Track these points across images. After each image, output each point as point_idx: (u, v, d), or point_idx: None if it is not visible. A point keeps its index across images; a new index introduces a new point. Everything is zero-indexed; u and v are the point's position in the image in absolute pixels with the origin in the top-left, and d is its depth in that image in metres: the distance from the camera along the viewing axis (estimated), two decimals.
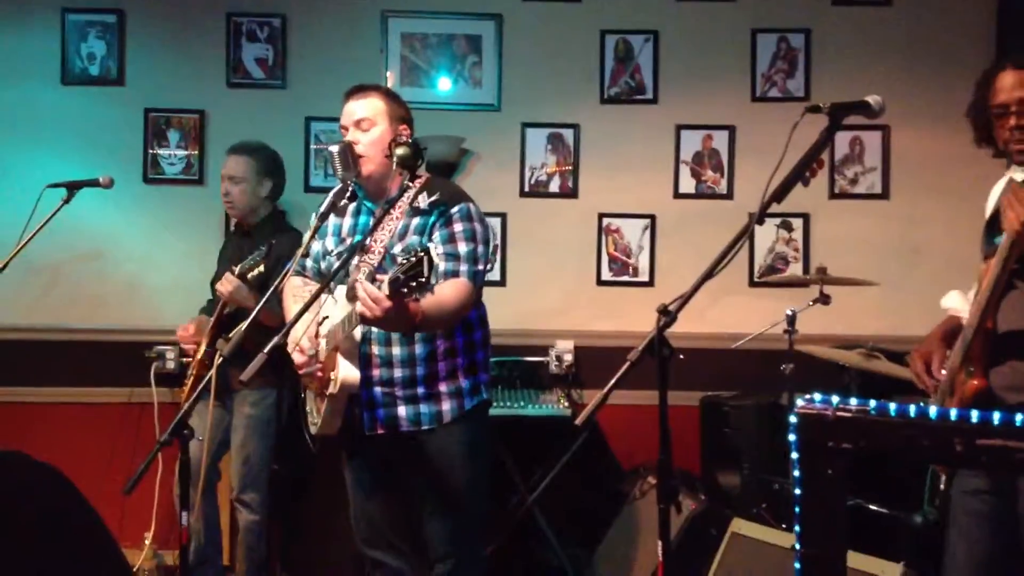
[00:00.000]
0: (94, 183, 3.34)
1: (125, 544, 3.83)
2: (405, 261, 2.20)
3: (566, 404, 3.86)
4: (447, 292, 2.54)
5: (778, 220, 4.25)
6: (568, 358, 4.16)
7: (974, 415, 1.16)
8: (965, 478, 2.14)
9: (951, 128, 4.19)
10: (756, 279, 4.25)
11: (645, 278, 4.29)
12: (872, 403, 1.25)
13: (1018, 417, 1.14)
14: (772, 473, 3.58)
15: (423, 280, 2.18)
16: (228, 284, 3.30)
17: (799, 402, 1.28)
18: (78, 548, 2.35)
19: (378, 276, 2.39)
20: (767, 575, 2.94)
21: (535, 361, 4.15)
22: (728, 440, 3.87)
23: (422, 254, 2.18)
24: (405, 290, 2.21)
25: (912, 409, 1.21)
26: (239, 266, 3.27)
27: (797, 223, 4.25)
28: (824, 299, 3.46)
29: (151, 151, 4.27)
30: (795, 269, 4.25)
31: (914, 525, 3.08)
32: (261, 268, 3.19)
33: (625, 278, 4.30)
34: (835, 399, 1.27)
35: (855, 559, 2.71)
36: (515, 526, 3.86)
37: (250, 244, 3.50)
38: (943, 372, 2.12)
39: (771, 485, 3.55)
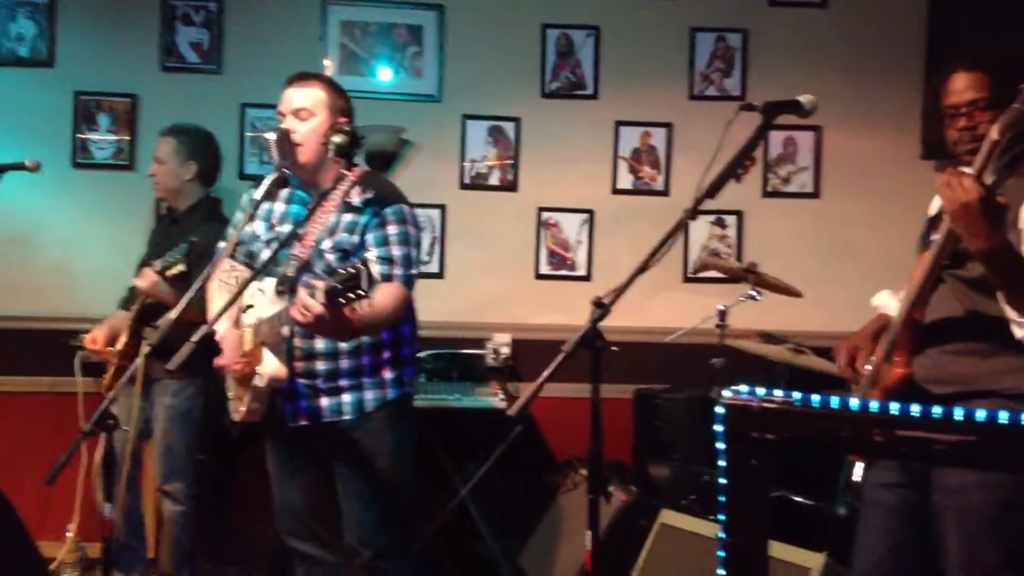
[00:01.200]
0: (20, 167, 3.23)
1: (47, 537, 3.76)
2: (344, 272, 2.19)
3: (502, 397, 3.88)
4: (383, 298, 2.51)
5: (712, 217, 4.31)
6: (505, 351, 4.17)
7: (894, 407, 1.19)
8: (878, 471, 2.19)
9: (882, 129, 4.34)
10: (690, 275, 4.31)
11: (583, 272, 4.32)
12: (796, 395, 1.28)
13: (936, 409, 1.17)
14: (702, 465, 3.63)
15: (361, 292, 2.17)
16: (145, 280, 3.26)
17: (725, 393, 1.30)
18: None
19: (314, 282, 2.36)
20: (694, 565, 2.98)
21: (472, 354, 4.15)
22: (660, 433, 3.92)
23: (361, 267, 2.17)
24: (342, 300, 2.20)
25: (835, 400, 1.24)
26: (160, 261, 3.21)
27: (731, 220, 4.32)
28: (754, 295, 3.53)
29: (80, 135, 4.16)
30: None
31: (837, 516, 3.15)
32: (181, 267, 3.14)
33: (563, 272, 4.32)
34: (760, 390, 1.29)
35: (780, 550, 2.78)
36: (448, 518, 3.86)
37: (177, 232, 3.45)
38: (867, 368, 2.17)
39: (700, 476, 3.60)
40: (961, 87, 2.15)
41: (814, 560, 2.75)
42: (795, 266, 3.86)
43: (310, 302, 2.25)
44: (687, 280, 4.32)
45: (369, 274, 2.17)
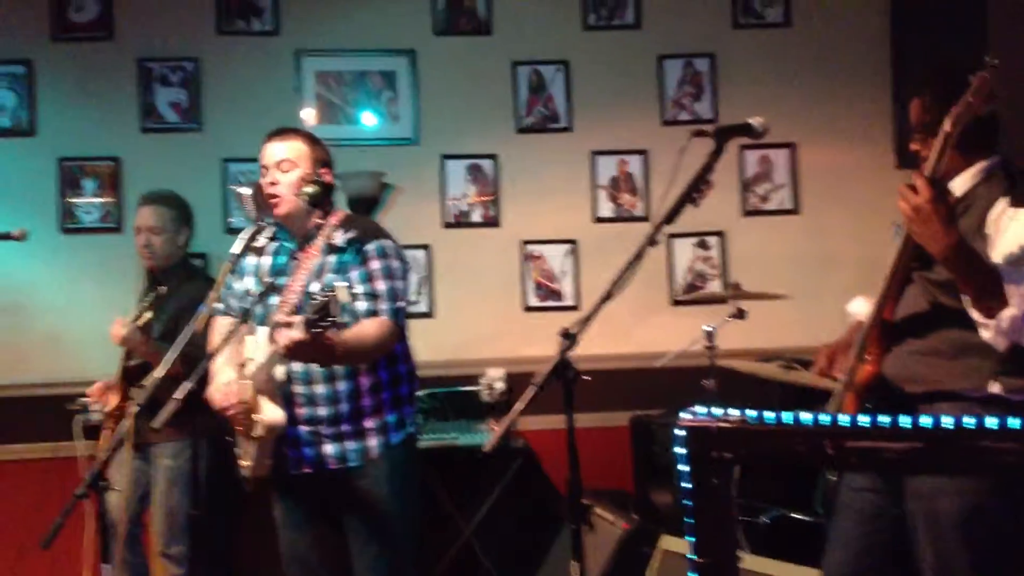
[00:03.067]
0: (7, 236, 3.28)
1: None
2: (315, 301, 2.24)
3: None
4: (368, 328, 2.57)
5: (695, 239, 4.35)
6: (500, 385, 4.17)
7: (843, 419, 1.22)
8: (852, 476, 2.22)
9: (855, 142, 4.40)
10: (676, 298, 4.34)
11: (571, 302, 4.35)
12: (751, 412, 1.30)
13: (883, 418, 1.20)
14: None
15: (333, 319, 2.22)
16: (120, 329, 3.28)
17: (684, 415, 1.33)
18: None
19: (291, 319, 2.40)
20: None
21: (467, 391, 4.16)
22: (658, 458, 3.92)
23: (330, 294, 2.21)
24: (317, 329, 2.24)
25: (787, 416, 1.26)
26: (132, 312, 3.25)
27: (714, 241, 4.36)
28: (740, 314, 3.56)
29: (66, 200, 4.22)
30: (715, 286, 4.35)
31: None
32: (148, 314, 3.18)
33: (551, 303, 4.36)
34: (717, 410, 1.32)
35: (777, 567, 2.78)
36: (453, 557, 3.86)
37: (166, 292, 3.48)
38: (841, 376, 2.20)
39: None
40: (912, 113, 2.22)
41: None
42: (780, 281, 3.89)
43: (291, 334, 2.30)
44: (675, 303, 4.35)
45: (337, 300, 2.22)
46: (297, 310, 2.58)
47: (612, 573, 3.35)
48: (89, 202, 4.24)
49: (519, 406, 1.81)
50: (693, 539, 1.34)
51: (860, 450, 1.18)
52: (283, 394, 2.61)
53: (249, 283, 2.78)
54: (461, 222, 4.36)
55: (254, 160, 2.77)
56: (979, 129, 2.04)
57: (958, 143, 2.00)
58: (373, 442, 2.68)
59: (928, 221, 1.94)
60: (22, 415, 4.12)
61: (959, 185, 2.16)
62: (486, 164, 4.35)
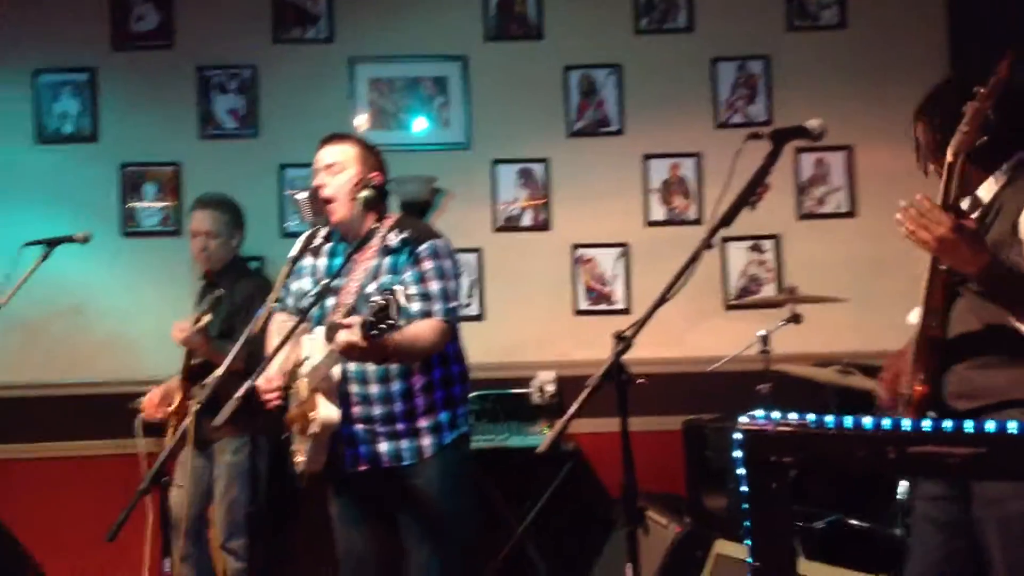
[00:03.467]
0: (70, 239, 3.38)
1: None
2: (374, 304, 2.27)
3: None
4: (421, 329, 2.60)
5: (749, 243, 4.31)
6: (550, 388, 4.18)
7: (905, 424, 1.21)
8: (925, 485, 2.18)
9: (912, 145, 4.31)
10: (731, 302, 4.31)
11: (622, 306, 4.34)
12: (811, 417, 1.30)
13: (946, 423, 1.18)
14: None
15: (392, 323, 2.25)
16: (179, 332, 3.36)
17: (742, 419, 1.33)
18: None
19: (347, 321, 2.44)
20: None
21: (518, 393, 4.17)
22: (711, 463, 3.90)
23: (389, 297, 2.24)
24: (375, 332, 2.27)
25: (848, 420, 1.26)
26: (193, 315, 3.32)
27: (768, 245, 4.32)
28: (795, 318, 3.52)
29: (127, 205, 4.32)
30: (769, 290, 4.31)
31: (895, 537, 3.11)
32: (209, 317, 3.24)
33: (602, 307, 4.35)
34: (776, 415, 1.31)
35: (836, 574, 2.74)
36: (506, 558, 3.87)
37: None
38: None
39: None
40: (917, 133, 2.29)
41: None
42: (836, 286, 3.83)
43: (349, 337, 2.33)
44: (729, 308, 4.32)
45: (398, 304, 2.25)
46: (353, 311, 2.61)
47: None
48: (150, 206, 4.34)
49: (573, 408, 1.81)
50: (750, 543, 1.34)
51: (923, 455, 1.17)
52: (339, 393, 2.65)
53: (306, 284, 2.83)
54: (512, 226, 4.37)
55: (309, 165, 2.81)
56: (995, 139, 2.00)
57: (971, 160, 1.98)
58: (426, 441, 2.70)
59: (955, 250, 1.92)
60: (85, 413, 4.22)
61: (985, 191, 2.12)
62: (537, 168, 4.37)
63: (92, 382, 4.25)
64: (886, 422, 1.23)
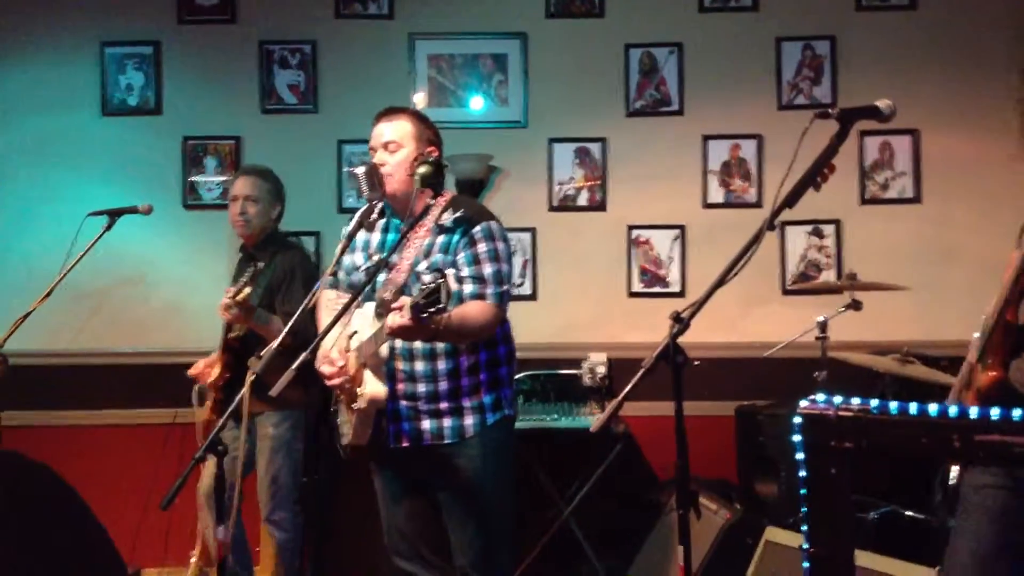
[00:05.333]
0: (133, 210, 3.43)
1: (171, 564, 3.94)
2: (424, 287, 2.27)
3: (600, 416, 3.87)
4: (472, 311, 2.60)
5: (809, 227, 4.24)
6: (602, 370, 4.16)
7: (973, 411, 1.17)
8: (975, 474, 2.12)
9: (981, 130, 4.21)
10: (788, 287, 4.24)
11: (676, 288, 4.30)
12: (874, 402, 1.27)
13: (1016, 411, 1.15)
14: None
15: (441, 307, 2.25)
16: (224, 310, 3.34)
17: (802, 403, 1.30)
18: (71, 545, 2.40)
19: (397, 304, 2.44)
20: None
21: (569, 374, 4.16)
22: (764, 449, 3.85)
23: (440, 280, 2.24)
24: (424, 315, 2.28)
25: (913, 407, 1.22)
26: (233, 288, 3.31)
27: (829, 229, 4.24)
28: (855, 305, 3.45)
29: (189, 178, 4.39)
30: (828, 276, 4.24)
31: (948, 529, 3.04)
32: (248, 290, 3.26)
33: (656, 289, 4.32)
34: (837, 399, 1.29)
35: (891, 565, 2.70)
36: (551, 539, 3.88)
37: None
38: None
39: None
40: None
41: (924, 575, 2.67)
42: (897, 273, 3.74)
43: (399, 320, 2.34)
44: (786, 293, 4.26)
45: (448, 289, 2.25)
46: (403, 289, 2.62)
47: (714, 561, 3.32)
48: (211, 179, 4.40)
49: (627, 389, 1.80)
50: (807, 529, 1.31)
51: (989, 444, 1.13)
52: (385, 369, 2.66)
53: (358, 258, 2.84)
54: (567, 206, 4.35)
55: (367, 142, 2.82)
56: None
57: None
58: (469, 421, 2.71)
59: None
60: (144, 382, 4.31)
61: None
62: (594, 147, 4.33)
63: (151, 351, 4.34)
64: (952, 409, 1.19)
